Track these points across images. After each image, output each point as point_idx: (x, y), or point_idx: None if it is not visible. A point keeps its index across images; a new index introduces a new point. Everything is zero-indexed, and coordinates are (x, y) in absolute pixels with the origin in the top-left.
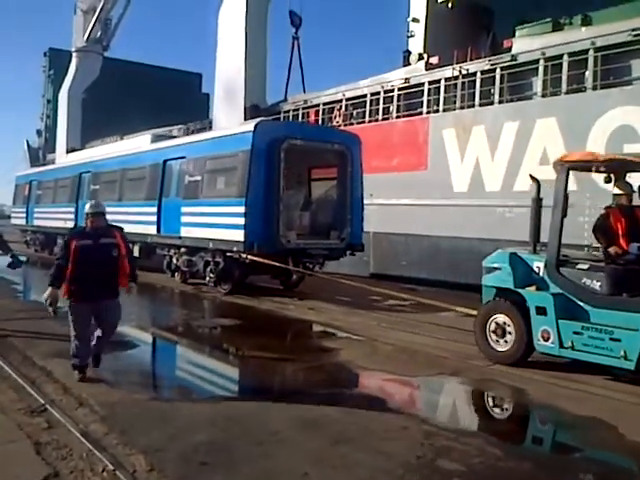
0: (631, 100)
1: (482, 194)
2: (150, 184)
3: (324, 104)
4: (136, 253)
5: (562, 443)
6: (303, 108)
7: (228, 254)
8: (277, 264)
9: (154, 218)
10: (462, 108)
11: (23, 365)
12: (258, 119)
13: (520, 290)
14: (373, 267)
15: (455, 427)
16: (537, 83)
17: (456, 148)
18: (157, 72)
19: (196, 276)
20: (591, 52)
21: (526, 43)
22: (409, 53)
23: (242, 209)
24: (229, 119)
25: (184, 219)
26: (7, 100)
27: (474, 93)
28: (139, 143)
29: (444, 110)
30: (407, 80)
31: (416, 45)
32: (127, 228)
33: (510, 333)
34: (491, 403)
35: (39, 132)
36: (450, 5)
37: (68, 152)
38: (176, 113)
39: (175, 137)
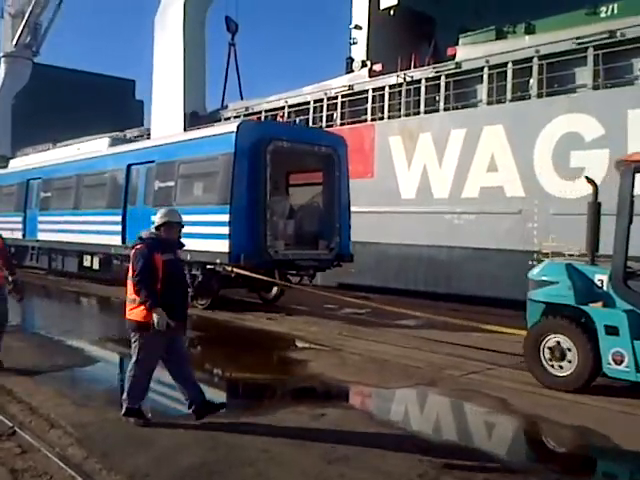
0: (576, 107)
1: (430, 201)
2: (112, 191)
3: (266, 111)
4: (95, 265)
5: (557, 452)
6: (244, 115)
7: (208, 266)
8: (266, 278)
9: (118, 228)
10: (407, 115)
11: None
12: (241, 118)
13: (583, 307)
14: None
15: (449, 442)
16: (482, 90)
17: (403, 155)
18: (90, 78)
19: None
20: (535, 60)
21: (470, 51)
22: (352, 60)
23: (226, 217)
24: (168, 126)
25: None
26: None
27: (419, 100)
28: (95, 147)
29: (389, 117)
30: (350, 87)
31: (359, 52)
32: (85, 239)
33: (571, 356)
34: (478, 415)
35: None
36: (392, 12)
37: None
38: (110, 120)
39: (134, 141)
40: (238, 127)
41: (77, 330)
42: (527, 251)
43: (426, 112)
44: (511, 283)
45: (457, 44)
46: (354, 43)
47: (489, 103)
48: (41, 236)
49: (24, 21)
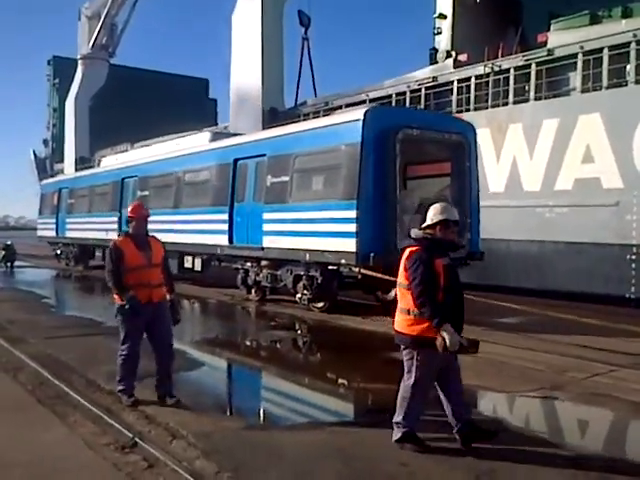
0: None
1: (520, 194)
2: (217, 188)
3: (346, 106)
4: (198, 267)
5: None
6: (324, 111)
7: (330, 267)
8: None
9: (224, 227)
10: (495, 106)
11: (89, 390)
12: (367, 105)
13: None
14: None
15: (598, 453)
16: (575, 78)
17: (491, 147)
18: (164, 78)
19: (277, 292)
20: (633, 45)
21: (563, 37)
22: (436, 51)
23: (352, 213)
24: (246, 124)
25: (267, 227)
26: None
27: (507, 91)
28: (195, 142)
29: (475, 109)
30: (435, 79)
31: (443, 42)
32: (187, 238)
33: None
34: (619, 422)
35: (45, 142)
36: None
37: (77, 161)
38: (184, 119)
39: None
40: (365, 114)
41: (176, 332)
42: (625, 245)
43: (515, 102)
44: (607, 278)
45: (548, 30)
46: (438, 33)
47: (583, 91)
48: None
49: (100, 22)
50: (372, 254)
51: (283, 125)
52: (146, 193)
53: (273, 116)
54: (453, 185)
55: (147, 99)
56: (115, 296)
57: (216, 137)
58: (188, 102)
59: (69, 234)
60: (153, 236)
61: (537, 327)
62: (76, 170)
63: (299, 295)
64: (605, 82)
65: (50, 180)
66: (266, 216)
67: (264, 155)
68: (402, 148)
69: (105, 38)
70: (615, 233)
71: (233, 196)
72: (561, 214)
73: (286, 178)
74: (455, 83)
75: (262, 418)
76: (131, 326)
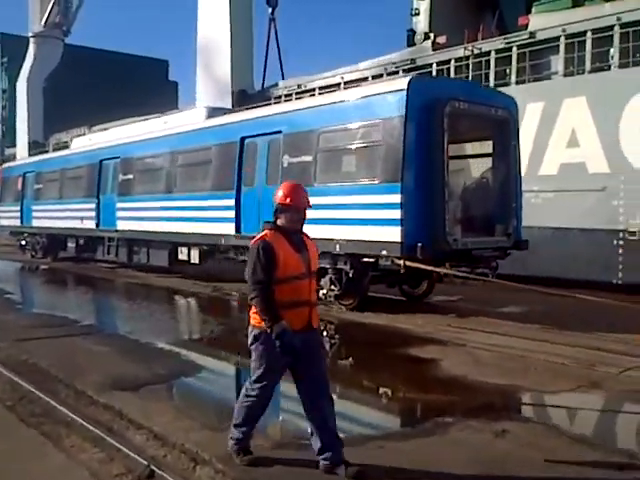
0: None
1: None
2: (219, 170)
3: (320, 88)
4: (194, 259)
5: None
6: (296, 93)
7: (364, 260)
8: (451, 272)
9: (229, 214)
10: None
11: (81, 404)
12: (410, 74)
13: None
14: None
15: None
16: (558, 62)
17: None
18: (122, 58)
19: None
20: (617, 28)
21: (544, 20)
22: (413, 32)
23: (395, 198)
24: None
25: None
26: None
27: (488, 74)
28: (187, 119)
29: None
30: (413, 61)
31: (421, 24)
32: (182, 227)
33: None
34: None
35: None
36: None
37: (30, 145)
38: (143, 102)
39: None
40: (409, 83)
41: (163, 331)
42: (612, 230)
43: (496, 86)
44: (594, 264)
45: (528, 13)
46: (416, 14)
47: (566, 75)
48: (121, 225)
49: None
50: (419, 244)
51: (255, 108)
52: (130, 177)
53: (243, 98)
54: (497, 166)
55: (104, 81)
56: (255, 317)
57: (213, 113)
58: (147, 84)
59: (36, 223)
60: (305, 232)
61: (540, 316)
62: (30, 155)
63: (324, 291)
64: (588, 66)
65: (12, 163)
66: None
67: (279, 132)
68: (449, 123)
69: (59, 16)
70: (601, 218)
71: (240, 180)
72: (547, 199)
73: (309, 158)
74: (434, 66)
75: (293, 434)
76: (274, 364)
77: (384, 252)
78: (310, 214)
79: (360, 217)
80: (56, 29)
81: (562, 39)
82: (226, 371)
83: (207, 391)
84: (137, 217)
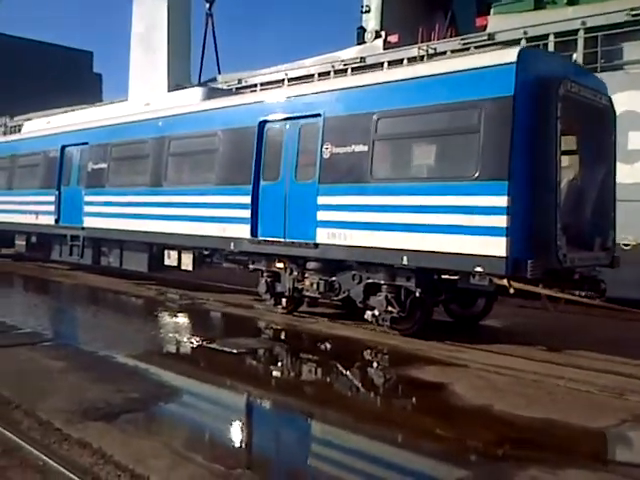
0: (636, 85)
1: None
2: (228, 160)
3: (262, 84)
4: (187, 265)
5: None
6: (237, 89)
7: (443, 276)
8: (566, 296)
9: (243, 213)
10: None
11: (50, 439)
12: (518, 46)
13: None
14: None
15: None
16: None
17: None
18: (43, 48)
19: (314, 304)
20: (581, 33)
21: (504, 21)
22: (364, 30)
23: (501, 200)
24: (149, 101)
25: (324, 215)
26: None
27: None
28: (180, 101)
29: None
30: (362, 59)
31: (371, 21)
32: (173, 227)
33: None
34: None
35: None
36: None
37: None
38: (65, 93)
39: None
40: (520, 55)
41: (122, 342)
42: None
43: None
44: None
45: (484, 14)
46: (366, 11)
47: None
48: (89, 222)
49: None
50: (530, 261)
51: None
52: (102, 166)
53: None
54: (595, 165)
55: (24, 70)
56: None
57: (212, 94)
58: (69, 75)
59: None
60: None
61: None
62: None
63: (375, 312)
64: None
65: None
66: (322, 200)
67: (317, 115)
68: (563, 108)
69: None
70: None
71: (259, 172)
72: None
73: (362, 148)
74: (385, 65)
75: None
76: None
77: (478, 269)
78: (364, 217)
79: (441, 223)
80: None
81: (523, 42)
82: (209, 393)
83: (197, 422)
84: (112, 213)
